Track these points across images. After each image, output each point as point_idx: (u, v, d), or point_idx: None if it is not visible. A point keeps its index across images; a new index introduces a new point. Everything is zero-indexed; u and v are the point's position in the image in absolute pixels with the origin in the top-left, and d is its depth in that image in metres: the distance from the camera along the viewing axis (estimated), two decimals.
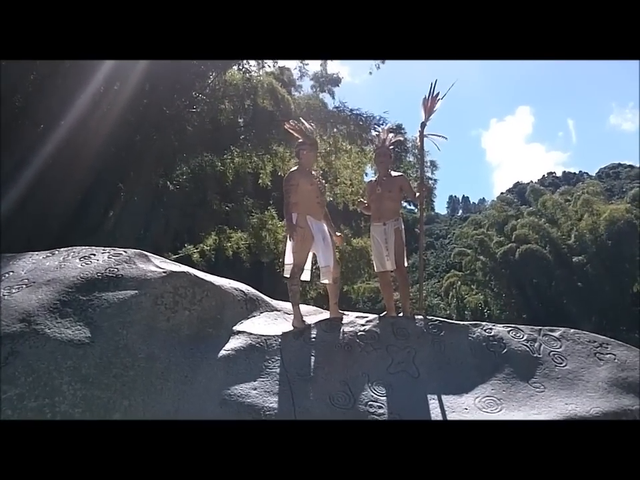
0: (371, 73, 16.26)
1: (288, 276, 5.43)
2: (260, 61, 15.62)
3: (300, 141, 5.66)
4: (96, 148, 11.60)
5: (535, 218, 31.24)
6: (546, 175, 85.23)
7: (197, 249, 16.20)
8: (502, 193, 52.84)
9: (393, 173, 6.07)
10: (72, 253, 5.40)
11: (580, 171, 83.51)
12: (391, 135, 6.20)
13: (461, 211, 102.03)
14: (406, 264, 5.96)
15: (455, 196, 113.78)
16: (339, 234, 6.03)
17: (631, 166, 71.21)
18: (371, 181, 6.34)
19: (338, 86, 21.21)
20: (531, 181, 59.33)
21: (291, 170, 5.63)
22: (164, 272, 5.06)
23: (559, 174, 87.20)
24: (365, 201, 6.20)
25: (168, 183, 15.71)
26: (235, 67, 15.19)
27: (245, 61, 15.01)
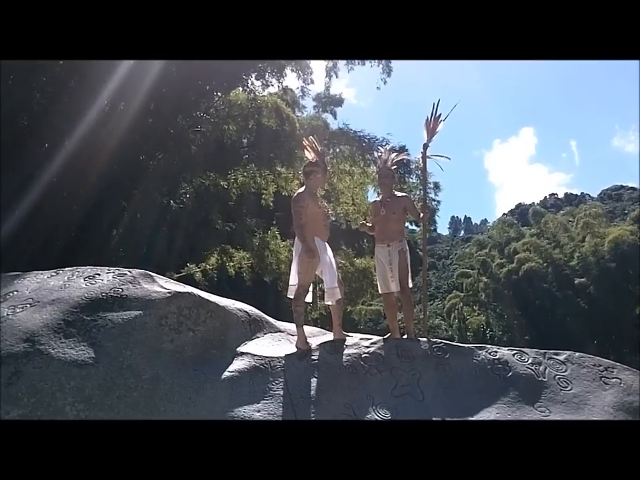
0: (378, 88, 16.40)
1: (292, 297, 5.41)
2: (264, 81, 15.71)
3: (312, 161, 5.63)
4: (100, 167, 11.66)
5: (537, 239, 31.33)
6: (548, 197, 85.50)
7: (199, 268, 16.21)
8: (504, 214, 52.92)
9: (397, 194, 6.05)
10: (76, 273, 5.40)
11: (582, 193, 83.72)
12: (393, 154, 6.15)
13: (462, 232, 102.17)
14: (410, 285, 5.94)
15: (457, 217, 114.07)
16: None
17: (633, 188, 71.45)
18: (375, 201, 6.31)
19: (340, 106, 21.40)
20: (533, 203, 59.47)
21: (299, 192, 5.55)
22: (168, 292, 5.05)
23: (560, 195, 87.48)
24: (368, 223, 6.20)
25: (171, 202, 15.76)
26: (240, 88, 15.31)
27: (249, 81, 15.12)
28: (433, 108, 5.85)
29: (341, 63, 16.43)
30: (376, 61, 15.80)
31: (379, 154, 6.31)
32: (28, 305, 4.80)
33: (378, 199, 6.21)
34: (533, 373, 4.93)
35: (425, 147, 5.92)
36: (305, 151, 5.73)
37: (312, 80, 16.61)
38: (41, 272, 5.59)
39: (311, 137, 5.77)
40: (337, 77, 17.07)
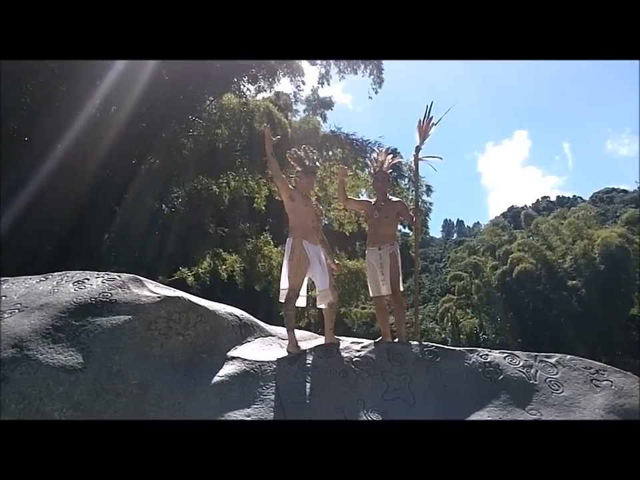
0: (370, 97, 16.64)
1: (283, 301, 5.39)
2: (256, 86, 15.74)
3: (297, 169, 5.64)
4: (92, 171, 11.63)
5: (532, 240, 31.41)
6: (540, 200, 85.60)
7: (191, 272, 16.17)
8: (496, 217, 52.96)
9: (392, 199, 6.02)
10: (65, 278, 5.36)
11: (574, 195, 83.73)
12: (388, 157, 6.10)
13: (455, 235, 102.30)
14: (402, 288, 5.92)
15: (450, 219, 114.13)
16: (337, 262, 6.00)
17: (624, 190, 71.70)
18: (370, 200, 6.27)
19: (331, 109, 21.42)
20: (525, 205, 59.56)
21: None
22: (158, 297, 5.02)
23: (553, 198, 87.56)
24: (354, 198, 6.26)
25: (163, 205, 15.73)
26: (232, 92, 15.30)
27: (241, 85, 15.12)
28: (426, 110, 5.85)
29: (333, 71, 16.53)
30: (367, 70, 15.92)
31: (374, 156, 6.27)
32: (16, 311, 4.75)
33: (372, 200, 6.17)
34: (524, 375, 4.92)
35: (417, 149, 5.91)
36: (292, 162, 5.71)
37: (304, 82, 16.66)
38: (29, 277, 5.54)
39: (287, 152, 5.72)
40: (328, 84, 17.17)
